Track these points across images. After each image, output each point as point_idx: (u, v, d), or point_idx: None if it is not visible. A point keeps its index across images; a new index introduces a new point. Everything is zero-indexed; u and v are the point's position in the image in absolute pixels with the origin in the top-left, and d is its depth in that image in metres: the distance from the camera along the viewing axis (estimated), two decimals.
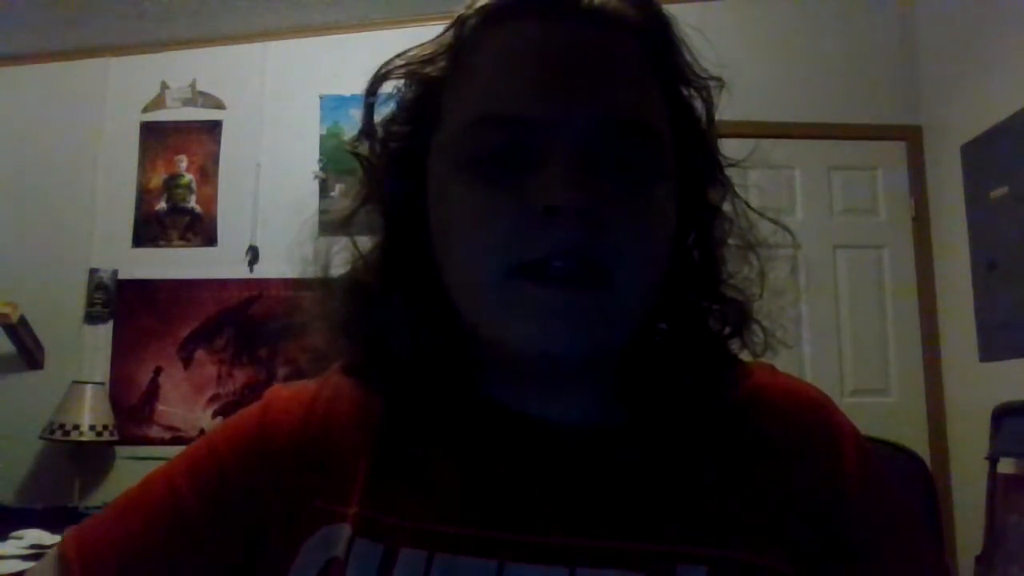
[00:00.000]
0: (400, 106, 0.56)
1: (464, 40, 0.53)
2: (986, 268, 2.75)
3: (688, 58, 0.56)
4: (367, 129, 0.57)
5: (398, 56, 0.57)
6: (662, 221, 0.51)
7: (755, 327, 0.57)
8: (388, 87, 0.57)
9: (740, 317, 0.57)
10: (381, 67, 0.57)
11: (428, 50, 0.55)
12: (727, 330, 0.57)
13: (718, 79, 0.57)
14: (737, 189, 0.58)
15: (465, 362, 0.56)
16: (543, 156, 0.48)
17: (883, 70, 3.17)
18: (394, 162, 0.56)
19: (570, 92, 0.49)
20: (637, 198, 0.49)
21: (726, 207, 0.57)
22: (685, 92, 0.55)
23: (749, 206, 0.58)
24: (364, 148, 0.58)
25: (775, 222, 0.59)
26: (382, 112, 0.58)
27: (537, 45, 0.50)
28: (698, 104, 0.56)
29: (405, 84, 0.56)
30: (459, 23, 0.54)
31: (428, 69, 0.54)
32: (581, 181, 0.47)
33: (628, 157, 0.49)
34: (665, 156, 0.52)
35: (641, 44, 0.52)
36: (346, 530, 0.51)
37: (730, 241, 0.57)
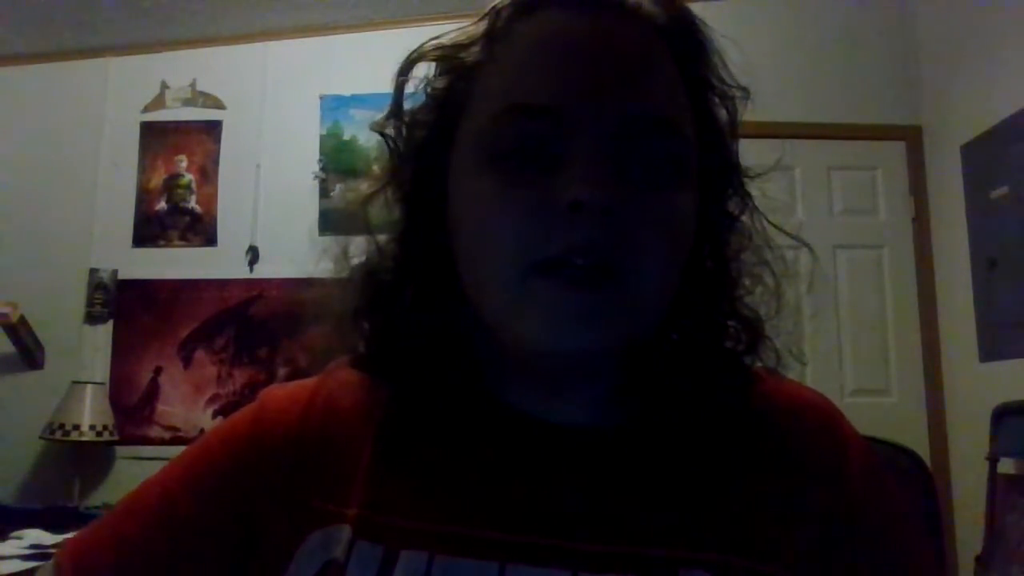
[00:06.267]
0: (429, 94, 0.55)
1: (497, 30, 0.53)
2: (986, 268, 2.74)
3: (717, 65, 0.55)
4: (396, 110, 0.57)
5: (433, 39, 0.56)
6: (684, 225, 0.50)
7: (768, 345, 0.56)
8: (412, 85, 0.56)
9: (754, 336, 0.56)
10: (415, 49, 0.56)
11: (462, 37, 0.55)
12: (740, 347, 0.56)
13: (744, 89, 0.56)
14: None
15: (472, 360, 0.56)
16: (568, 150, 0.47)
17: (883, 70, 3.17)
18: (418, 150, 0.55)
19: (600, 85, 0.48)
20: (661, 200, 0.49)
21: (744, 220, 0.57)
22: (711, 99, 0.55)
23: (769, 221, 0.57)
24: (391, 129, 0.57)
25: (794, 237, 0.58)
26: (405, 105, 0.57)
27: (568, 37, 0.49)
28: (722, 113, 0.55)
29: (435, 73, 0.55)
30: (493, 13, 0.54)
31: (461, 55, 0.54)
32: (606, 179, 0.46)
33: (654, 156, 0.48)
34: (690, 159, 0.51)
35: (670, 46, 0.52)
36: (346, 531, 0.50)
37: (744, 256, 0.56)
